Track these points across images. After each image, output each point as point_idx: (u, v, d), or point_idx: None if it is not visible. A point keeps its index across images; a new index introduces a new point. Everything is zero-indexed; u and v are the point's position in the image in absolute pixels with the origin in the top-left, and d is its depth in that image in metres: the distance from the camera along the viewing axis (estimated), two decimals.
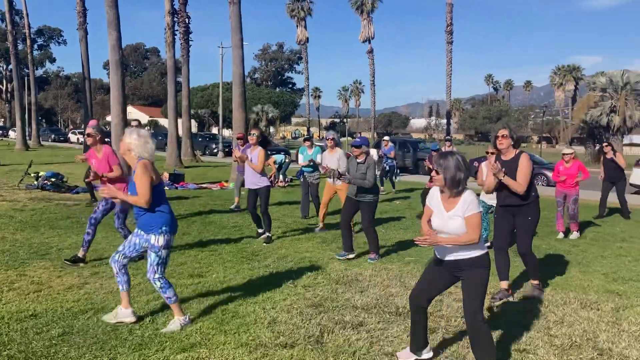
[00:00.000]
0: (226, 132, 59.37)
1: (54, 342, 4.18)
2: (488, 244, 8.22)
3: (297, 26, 59.92)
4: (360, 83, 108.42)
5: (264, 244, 8.15)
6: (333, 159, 9.27)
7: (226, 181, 17.27)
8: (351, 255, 7.41)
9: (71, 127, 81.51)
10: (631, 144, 59.60)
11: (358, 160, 7.49)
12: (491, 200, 8.25)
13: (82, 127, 63.62)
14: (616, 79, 37.93)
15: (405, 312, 5.00)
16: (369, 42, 53.01)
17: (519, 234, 5.83)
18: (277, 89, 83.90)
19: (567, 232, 9.80)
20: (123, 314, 4.66)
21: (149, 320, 4.70)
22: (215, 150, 38.59)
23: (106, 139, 7.21)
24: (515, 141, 5.81)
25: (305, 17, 59.59)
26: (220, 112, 39.71)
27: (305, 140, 11.59)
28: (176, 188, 15.33)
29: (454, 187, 3.69)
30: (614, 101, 37.43)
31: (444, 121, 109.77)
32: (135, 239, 4.66)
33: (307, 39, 59.89)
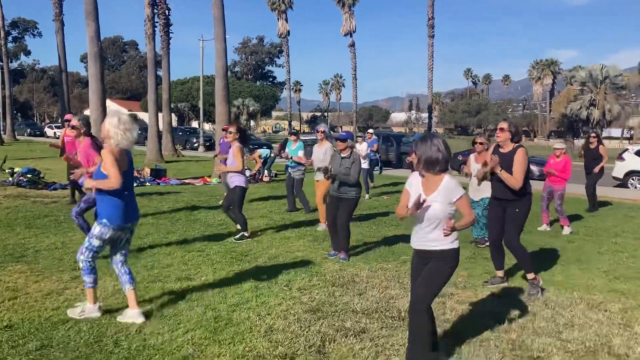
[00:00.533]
0: (207, 126, 58.67)
1: (31, 357, 3.83)
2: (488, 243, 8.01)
3: (278, 19, 59.24)
4: (341, 77, 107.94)
5: (235, 241, 7.88)
6: (320, 152, 9.04)
7: (209, 176, 16.86)
8: (342, 255, 7.14)
9: (47, 121, 79.96)
10: (609, 137, 60.17)
11: (343, 155, 7.21)
12: (479, 194, 8.06)
13: (59, 121, 62.47)
14: (596, 73, 38.13)
15: None
16: (351, 36, 52.67)
17: (506, 225, 5.81)
18: (258, 83, 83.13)
19: (551, 223, 9.92)
20: (89, 309, 4.60)
21: (136, 331, 4.36)
22: (196, 145, 37.98)
23: (91, 132, 6.87)
24: (514, 135, 5.82)
25: (286, 10, 58.96)
26: (201, 105, 39.05)
27: (290, 134, 11.27)
28: (158, 184, 14.88)
29: (431, 168, 3.69)
30: (594, 95, 37.66)
31: (424, 115, 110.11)
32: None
33: (288, 32, 59.25)
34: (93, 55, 13.84)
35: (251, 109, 61.37)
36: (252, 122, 67.82)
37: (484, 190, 8.01)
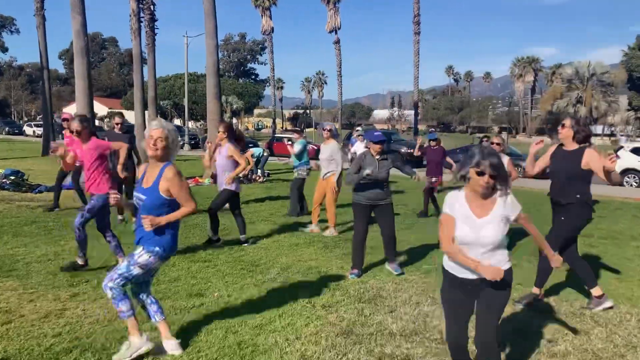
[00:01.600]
0: (191, 124, 57.78)
1: None
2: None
3: (262, 16, 58.57)
4: (323, 74, 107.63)
5: (213, 241, 7.56)
6: (327, 151, 8.61)
7: (200, 176, 16.25)
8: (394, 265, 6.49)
9: (26, 119, 78.21)
10: (594, 135, 60.53)
11: (380, 157, 6.43)
12: None
13: (38, 119, 60.89)
14: (582, 70, 38.23)
15: None
16: (336, 33, 52.22)
17: (550, 233, 5.24)
18: (240, 80, 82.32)
19: None
20: (137, 344, 3.85)
21: None
22: (181, 143, 37.13)
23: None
24: (578, 133, 5.19)
25: (270, 6, 58.30)
26: (185, 103, 38.29)
27: (294, 132, 10.72)
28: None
29: (504, 185, 3.12)
30: (581, 92, 37.71)
31: (407, 112, 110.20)
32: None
33: (272, 29, 58.63)
34: (79, 50, 13.15)
35: (235, 106, 60.62)
36: (234, 120, 67.06)
37: None
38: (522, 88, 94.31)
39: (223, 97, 61.23)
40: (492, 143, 7.99)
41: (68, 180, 13.73)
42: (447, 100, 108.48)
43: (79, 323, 4.49)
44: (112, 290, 3.73)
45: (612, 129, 61.30)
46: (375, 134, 6.63)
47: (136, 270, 3.77)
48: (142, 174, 3.92)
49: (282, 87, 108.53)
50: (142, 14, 23.21)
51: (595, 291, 5.21)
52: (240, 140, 9.02)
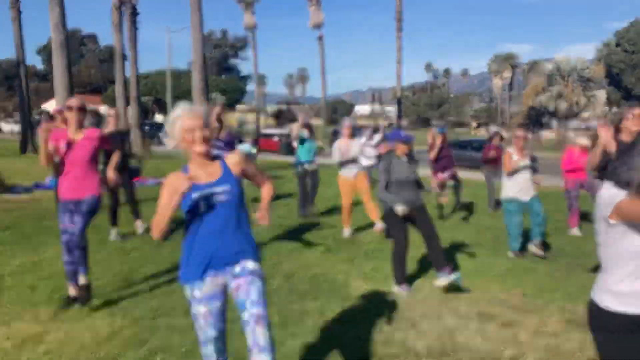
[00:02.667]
0: None
1: None
2: (512, 254, 7.12)
3: (244, 11, 57.64)
4: (305, 70, 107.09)
5: None
6: (346, 148, 8.14)
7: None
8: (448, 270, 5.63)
9: (2, 115, 76.31)
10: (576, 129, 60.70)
11: (406, 158, 5.89)
12: (529, 194, 7.13)
13: (16, 116, 59.27)
14: (563, 65, 38.16)
15: (490, 358, 3.81)
16: (319, 29, 51.53)
17: None
18: (222, 76, 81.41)
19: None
20: None
21: None
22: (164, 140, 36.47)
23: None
24: None
25: (253, 2, 57.42)
26: (168, 100, 37.45)
27: (303, 126, 10.10)
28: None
29: None
30: (561, 87, 37.65)
31: (388, 108, 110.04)
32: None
33: (255, 25, 57.74)
34: (58, 44, 12.45)
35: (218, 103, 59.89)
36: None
37: (532, 188, 7.12)
38: (500, 84, 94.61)
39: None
40: (517, 136, 7.48)
41: (47, 179, 13.05)
42: (426, 96, 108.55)
43: (60, 350, 3.92)
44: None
45: (585, 124, 61.56)
46: (402, 133, 6.18)
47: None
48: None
49: (264, 83, 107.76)
50: (123, 8, 22.41)
51: None
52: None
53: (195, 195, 2.79)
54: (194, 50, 15.41)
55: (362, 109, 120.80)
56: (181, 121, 2.83)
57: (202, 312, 2.80)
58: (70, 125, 4.95)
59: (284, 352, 3.92)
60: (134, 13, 23.71)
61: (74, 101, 5.03)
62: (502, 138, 11.76)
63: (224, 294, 2.87)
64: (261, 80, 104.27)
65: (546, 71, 40.32)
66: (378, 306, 4.99)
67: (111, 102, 64.97)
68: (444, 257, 5.60)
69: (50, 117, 9.44)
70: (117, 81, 22.21)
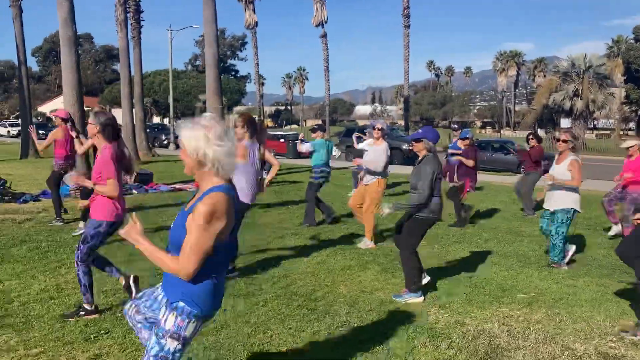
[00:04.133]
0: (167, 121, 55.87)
1: None
2: (565, 267, 6.51)
3: (245, 10, 56.70)
4: (304, 70, 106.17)
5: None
6: (375, 153, 7.37)
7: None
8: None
9: None
10: (596, 128, 59.64)
11: (418, 160, 5.43)
12: (555, 204, 6.49)
13: (12, 118, 58.31)
14: (578, 62, 37.38)
15: None
16: (323, 27, 50.64)
17: None
18: (222, 77, 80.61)
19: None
20: None
21: None
22: (166, 142, 35.58)
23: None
24: None
25: (253, 0, 56.50)
26: (170, 101, 36.62)
27: (313, 130, 9.35)
28: (146, 191, 12.77)
29: None
30: (577, 85, 36.86)
31: (389, 107, 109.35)
32: (155, 294, 2.78)
33: (256, 23, 56.82)
34: (67, 40, 11.64)
35: None
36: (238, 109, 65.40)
37: (561, 200, 6.44)
38: (505, 82, 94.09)
39: (205, 95, 59.58)
40: (559, 140, 6.79)
41: None
42: (429, 95, 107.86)
43: None
44: None
45: (595, 122, 60.94)
46: (417, 131, 5.59)
47: (172, 345, 2.46)
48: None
49: (263, 84, 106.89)
50: (127, 5, 21.59)
51: None
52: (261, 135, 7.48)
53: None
54: (208, 46, 14.63)
55: (362, 108, 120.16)
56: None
57: None
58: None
59: None
60: (138, 10, 22.93)
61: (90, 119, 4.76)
62: (540, 140, 11.04)
63: None
64: (260, 80, 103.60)
65: (560, 68, 39.32)
66: (474, 345, 4.22)
67: (108, 104, 64.33)
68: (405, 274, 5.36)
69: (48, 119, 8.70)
70: (122, 80, 21.41)
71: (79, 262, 4.54)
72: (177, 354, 2.47)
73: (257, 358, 3.89)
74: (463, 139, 9.83)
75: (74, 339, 4.16)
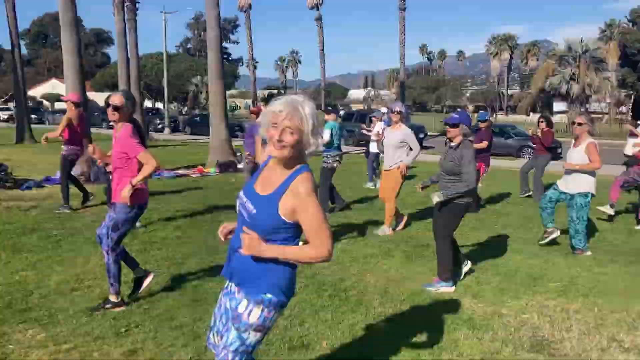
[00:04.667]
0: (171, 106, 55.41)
1: None
2: (589, 252, 6.44)
3: None
4: (297, 53, 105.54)
5: None
6: (395, 137, 7.16)
7: (203, 165, 14.62)
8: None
9: None
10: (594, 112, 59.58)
11: (451, 144, 5.32)
12: (574, 186, 6.40)
13: (4, 103, 57.40)
14: (575, 46, 37.22)
15: None
16: (317, 9, 50.14)
17: None
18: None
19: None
20: None
21: None
22: (160, 127, 35.24)
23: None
24: None
25: None
26: (165, 85, 36.19)
27: (328, 112, 9.08)
28: (150, 178, 12.50)
29: None
30: (573, 68, 36.72)
31: (383, 92, 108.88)
32: (225, 301, 2.53)
33: (250, 5, 56.14)
34: (68, 23, 11.30)
35: None
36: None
37: (578, 183, 6.35)
38: (498, 66, 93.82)
39: (198, 78, 58.88)
40: (574, 123, 6.69)
41: (58, 173, 11.99)
42: (422, 79, 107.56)
43: None
44: None
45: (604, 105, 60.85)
46: (453, 115, 5.37)
47: (254, 337, 2.38)
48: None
49: (255, 67, 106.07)
50: None
51: None
52: None
53: (239, 199, 2.45)
54: (210, 29, 14.32)
55: (355, 93, 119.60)
56: (269, 114, 2.32)
57: (219, 298, 2.58)
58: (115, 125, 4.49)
59: None
60: None
61: (113, 98, 4.44)
62: (551, 124, 10.95)
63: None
64: (253, 63, 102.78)
65: (556, 52, 39.13)
66: (517, 336, 4.11)
67: (100, 88, 63.54)
68: (439, 264, 5.26)
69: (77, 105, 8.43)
70: (119, 64, 21.04)
71: (109, 251, 4.38)
72: (257, 345, 2.42)
73: (297, 352, 3.75)
74: (483, 120, 9.73)
75: (104, 333, 4.00)
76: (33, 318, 4.26)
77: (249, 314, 2.34)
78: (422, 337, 4.02)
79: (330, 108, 9.31)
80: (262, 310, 2.34)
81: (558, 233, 6.73)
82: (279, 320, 4.21)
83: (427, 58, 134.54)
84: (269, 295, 2.34)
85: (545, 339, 4.03)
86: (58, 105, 56.50)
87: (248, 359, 2.41)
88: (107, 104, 4.39)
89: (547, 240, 6.71)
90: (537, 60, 78.97)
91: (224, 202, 9.38)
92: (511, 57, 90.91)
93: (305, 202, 2.26)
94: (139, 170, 4.40)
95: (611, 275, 5.67)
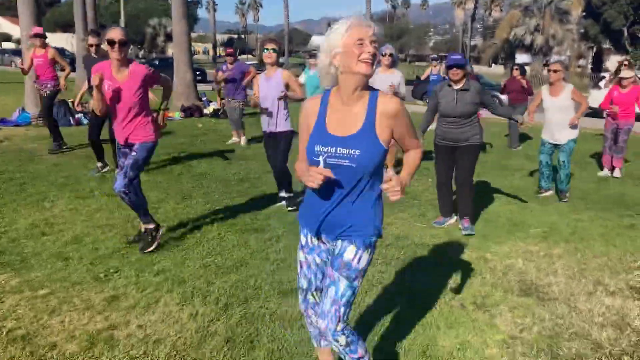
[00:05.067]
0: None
1: None
2: (566, 199, 6.55)
3: None
4: None
5: (289, 209, 5.73)
6: (387, 82, 6.55)
7: (167, 109, 14.11)
8: (452, 220, 5.51)
9: None
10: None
11: (457, 87, 5.14)
12: (567, 135, 6.47)
13: None
14: None
15: None
16: None
17: None
18: (169, 1, 76.88)
19: (613, 169, 8.46)
20: None
21: None
22: None
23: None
24: None
25: None
26: (122, 25, 34.63)
27: (311, 56, 8.78)
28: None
29: None
30: (538, 19, 36.77)
31: None
32: (312, 258, 2.45)
33: None
34: None
35: (169, 29, 56.33)
36: (170, 46, 62.66)
37: (569, 131, 6.42)
38: (462, 16, 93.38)
39: (155, 20, 56.75)
40: (550, 70, 6.59)
41: (15, 114, 11.46)
42: (387, 27, 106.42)
43: (148, 356, 2.87)
44: (345, 333, 2.29)
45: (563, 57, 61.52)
46: (452, 57, 5.24)
47: (359, 284, 2.35)
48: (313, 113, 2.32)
49: (215, 10, 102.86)
50: None
51: None
52: None
53: (316, 148, 2.21)
54: None
55: (318, 39, 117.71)
56: (349, 30, 2.10)
57: (300, 260, 2.47)
58: (114, 64, 4.12)
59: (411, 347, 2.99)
60: None
61: (116, 33, 4.01)
62: (524, 72, 11.01)
63: (328, 255, 2.40)
64: (212, 6, 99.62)
65: (522, 2, 38.98)
66: (508, 280, 4.10)
67: (51, 28, 60.56)
68: (466, 208, 5.30)
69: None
70: (75, 1, 19.89)
71: (128, 191, 4.21)
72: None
73: (290, 297, 3.65)
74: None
75: (82, 279, 3.81)
76: (5, 262, 4.03)
77: (358, 260, 2.27)
78: (411, 283, 3.97)
79: (315, 52, 9.00)
80: (370, 254, 2.31)
81: (552, 192, 6.79)
82: (265, 265, 4.13)
83: (392, 6, 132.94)
84: (374, 238, 2.31)
85: (534, 283, 4.04)
86: (5, 44, 53.76)
87: (350, 309, 2.33)
88: (110, 42, 3.97)
89: (540, 197, 6.77)
90: (501, 11, 78.74)
91: (191, 148, 9.12)
92: (475, 7, 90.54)
93: (400, 114, 2.22)
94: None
95: (588, 221, 5.73)
